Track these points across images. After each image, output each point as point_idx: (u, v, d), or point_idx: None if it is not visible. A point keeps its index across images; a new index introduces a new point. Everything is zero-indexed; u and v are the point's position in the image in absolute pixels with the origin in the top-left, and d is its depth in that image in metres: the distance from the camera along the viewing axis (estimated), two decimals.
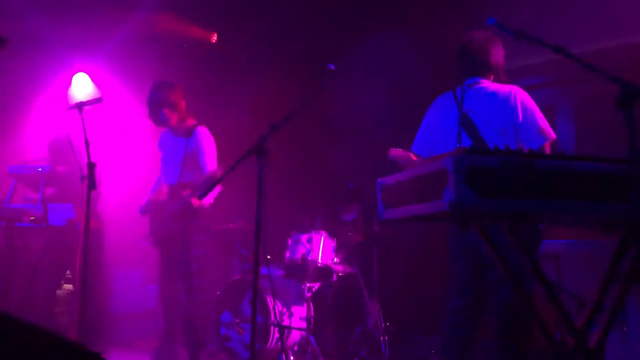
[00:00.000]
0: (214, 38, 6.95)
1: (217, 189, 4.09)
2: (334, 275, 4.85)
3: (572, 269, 4.34)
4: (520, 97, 3.02)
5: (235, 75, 6.64)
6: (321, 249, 4.71)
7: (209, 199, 4.21)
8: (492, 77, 3.17)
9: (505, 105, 3.01)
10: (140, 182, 5.25)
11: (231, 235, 5.65)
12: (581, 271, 4.28)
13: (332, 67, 3.02)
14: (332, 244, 4.82)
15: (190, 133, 4.27)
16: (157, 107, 4.25)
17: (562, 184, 1.90)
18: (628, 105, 1.89)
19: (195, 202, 4.01)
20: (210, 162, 4.22)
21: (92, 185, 3.29)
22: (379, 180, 2.33)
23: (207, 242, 4.27)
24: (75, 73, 7.21)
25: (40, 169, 4.83)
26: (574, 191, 1.90)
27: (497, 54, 3.17)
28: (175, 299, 4.24)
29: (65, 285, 5.56)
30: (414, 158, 3.15)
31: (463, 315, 3.12)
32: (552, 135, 2.98)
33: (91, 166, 3.37)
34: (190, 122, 4.36)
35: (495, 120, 3.00)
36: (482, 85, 3.12)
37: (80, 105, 3.61)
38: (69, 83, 7.23)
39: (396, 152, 3.31)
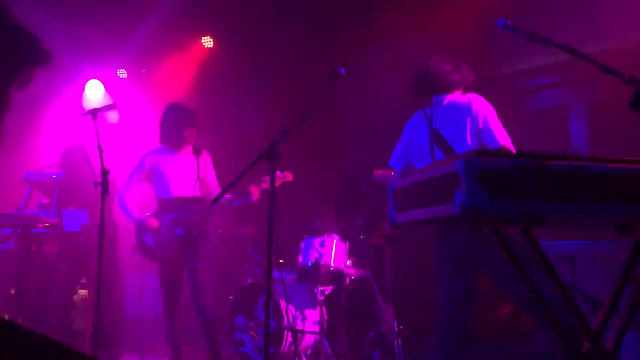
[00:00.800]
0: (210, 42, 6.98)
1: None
2: (347, 279, 4.84)
3: (587, 270, 4.29)
4: (477, 104, 3.26)
5: (248, 80, 6.66)
6: (333, 252, 4.70)
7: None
8: (460, 90, 3.41)
9: (466, 114, 3.25)
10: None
11: (244, 239, 5.67)
12: (597, 272, 4.24)
13: (343, 70, 3.02)
14: (345, 247, 4.81)
15: (199, 153, 4.61)
16: (185, 126, 4.52)
17: (576, 185, 1.88)
18: None
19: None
20: (215, 181, 4.66)
21: (105, 191, 3.32)
22: (390, 183, 2.32)
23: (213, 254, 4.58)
24: (88, 80, 7.28)
25: (54, 176, 4.88)
26: (588, 193, 1.88)
27: (459, 70, 3.41)
28: (176, 311, 4.45)
29: (80, 290, 5.60)
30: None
31: (456, 322, 3.26)
32: (504, 140, 3.10)
33: (105, 173, 3.40)
34: (196, 144, 4.67)
35: (462, 131, 3.24)
36: (446, 101, 3.38)
37: (93, 112, 3.64)
38: (82, 90, 7.30)
39: (380, 173, 3.55)
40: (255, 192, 4.37)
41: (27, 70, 1.12)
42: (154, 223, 4.39)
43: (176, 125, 4.51)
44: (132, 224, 4.48)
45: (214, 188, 4.59)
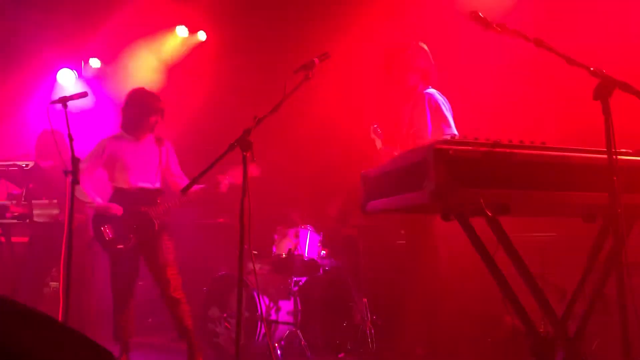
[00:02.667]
0: (203, 36, 6.92)
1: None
2: (321, 269, 4.86)
3: (555, 260, 4.38)
4: (427, 98, 3.75)
5: (223, 70, 6.62)
6: (307, 243, 4.72)
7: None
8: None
9: (424, 108, 3.76)
10: None
11: (218, 230, 5.66)
12: (565, 263, 4.32)
13: (316, 60, 3.02)
14: (319, 238, 4.83)
15: (161, 143, 4.44)
16: (149, 113, 4.33)
17: (541, 174, 1.92)
18: (604, 96, 1.92)
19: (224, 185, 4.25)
20: (179, 171, 4.50)
21: (75, 180, 3.28)
22: (362, 172, 2.34)
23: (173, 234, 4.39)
24: (61, 68, 7.17)
25: (25, 166, 4.80)
26: (553, 182, 1.92)
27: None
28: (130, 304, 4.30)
29: (51, 283, 5.53)
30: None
31: None
32: (449, 131, 3.60)
33: (75, 161, 3.35)
34: (157, 133, 4.50)
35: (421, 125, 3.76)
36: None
37: (63, 100, 3.58)
38: (54, 79, 7.19)
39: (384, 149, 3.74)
40: (224, 183, 4.25)
41: None
42: (118, 210, 4.20)
43: (142, 110, 4.32)
44: (89, 212, 4.27)
45: (179, 177, 4.47)
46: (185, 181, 4.32)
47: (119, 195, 4.31)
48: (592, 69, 2.00)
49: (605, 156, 1.92)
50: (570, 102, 2.72)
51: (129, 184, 4.29)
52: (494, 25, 2.32)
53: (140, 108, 4.34)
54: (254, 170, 4.32)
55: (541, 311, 2.12)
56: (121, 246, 4.23)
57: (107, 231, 4.23)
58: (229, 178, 4.24)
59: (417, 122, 3.84)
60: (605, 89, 1.94)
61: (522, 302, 2.09)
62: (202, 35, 6.95)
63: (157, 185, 4.37)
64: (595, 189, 1.95)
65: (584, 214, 2.22)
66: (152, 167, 4.37)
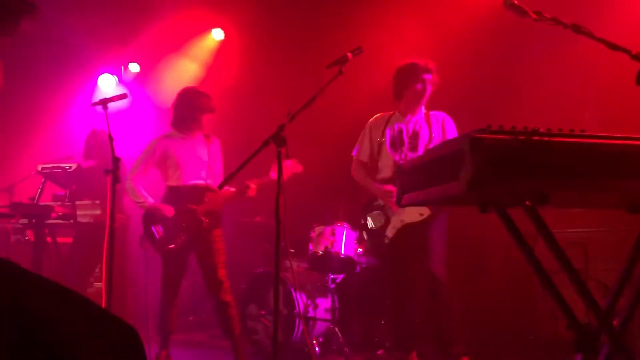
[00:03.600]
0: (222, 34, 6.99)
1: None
2: (357, 267, 4.85)
3: (600, 256, 4.27)
4: (447, 118, 4.17)
5: (256, 68, 6.67)
6: (344, 240, 4.71)
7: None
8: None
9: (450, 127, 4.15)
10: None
11: (256, 228, 5.70)
12: (609, 258, 4.21)
13: (350, 55, 3.02)
14: (355, 235, 4.81)
15: (210, 140, 4.50)
16: (202, 111, 4.40)
17: (581, 162, 1.86)
18: None
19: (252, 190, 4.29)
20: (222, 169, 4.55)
21: (116, 179, 3.35)
22: (397, 164, 2.33)
23: (224, 235, 4.42)
24: (101, 74, 7.36)
25: (68, 168, 4.93)
26: (594, 170, 1.86)
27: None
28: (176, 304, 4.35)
29: (95, 283, 5.67)
30: None
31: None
32: None
33: (116, 161, 3.43)
34: (205, 131, 4.54)
35: None
36: None
37: (104, 102, 3.68)
38: (95, 84, 7.38)
39: None
40: (253, 188, 4.26)
41: (11, 20, 1.13)
42: (170, 211, 4.24)
43: (194, 108, 4.36)
44: (141, 212, 4.35)
45: (219, 178, 4.39)
46: (219, 181, 4.33)
47: (172, 193, 4.35)
48: (634, 53, 1.94)
49: None
50: (611, 88, 2.64)
51: (181, 182, 4.33)
52: (530, 13, 2.28)
53: (192, 107, 4.37)
54: (296, 167, 4.37)
55: (584, 304, 2.06)
56: (172, 246, 4.26)
57: (158, 230, 4.28)
58: (272, 174, 4.23)
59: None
60: None
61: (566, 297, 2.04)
62: (234, 37, 7.04)
63: (208, 182, 4.38)
64: (639, 177, 1.88)
65: (628, 203, 2.14)
66: (202, 164, 4.41)
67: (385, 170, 4.02)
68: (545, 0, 2.63)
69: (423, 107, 4.16)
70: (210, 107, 4.43)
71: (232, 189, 4.28)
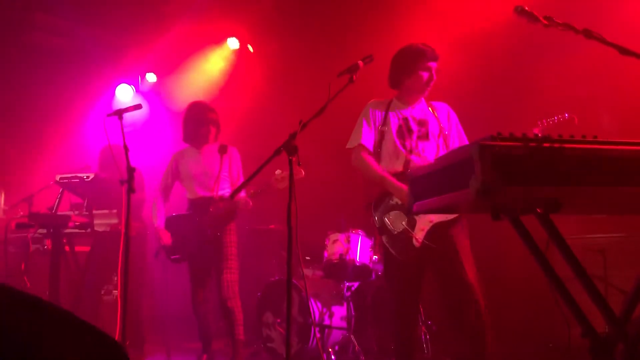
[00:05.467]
0: (250, 48, 7.05)
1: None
2: (373, 274, 4.83)
3: (619, 262, 4.21)
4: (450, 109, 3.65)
5: (270, 77, 6.71)
6: (359, 248, 4.70)
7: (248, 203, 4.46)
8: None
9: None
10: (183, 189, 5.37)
11: (271, 236, 5.72)
12: (629, 264, 4.15)
13: (361, 63, 3.02)
14: (370, 242, 4.80)
15: (225, 151, 4.63)
16: (203, 124, 4.60)
17: (593, 169, 1.84)
18: None
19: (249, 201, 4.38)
20: (241, 178, 4.66)
21: (131, 189, 3.39)
22: (409, 172, 2.32)
23: (238, 241, 4.58)
24: (119, 84, 7.45)
25: (86, 177, 4.99)
26: (605, 176, 1.84)
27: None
28: (207, 310, 4.53)
29: (114, 291, 5.71)
30: None
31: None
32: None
33: (131, 171, 3.46)
34: (220, 141, 4.74)
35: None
36: None
37: (119, 112, 3.72)
38: (113, 94, 7.47)
39: None
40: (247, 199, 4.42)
41: None
42: (167, 239, 4.52)
43: (195, 123, 4.60)
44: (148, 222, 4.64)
45: (236, 185, 4.62)
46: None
47: (189, 205, 4.62)
48: None
49: None
50: (623, 94, 2.61)
51: (195, 194, 4.57)
52: (541, 19, 2.27)
53: (193, 121, 4.62)
54: (298, 172, 4.35)
55: (599, 311, 2.03)
56: (177, 256, 4.49)
57: (170, 241, 4.53)
58: (275, 184, 4.31)
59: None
60: None
61: (581, 305, 2.01)
62: (250, 46, 7.09)
63: (219, 193, 4.51)
64: None
65: None
66: (212, 176, 4.54)
67: (390, 161, 3.47)
68: (556, 6, 2.61)
69: (423, 98, 3.65)
70: (209, 119, 4.61)
71: (243, 196, 4.42)
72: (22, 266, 5.12)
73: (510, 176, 1.80)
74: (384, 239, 3.46)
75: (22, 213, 5.35)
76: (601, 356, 1.94)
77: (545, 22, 2.28)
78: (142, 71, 7.63)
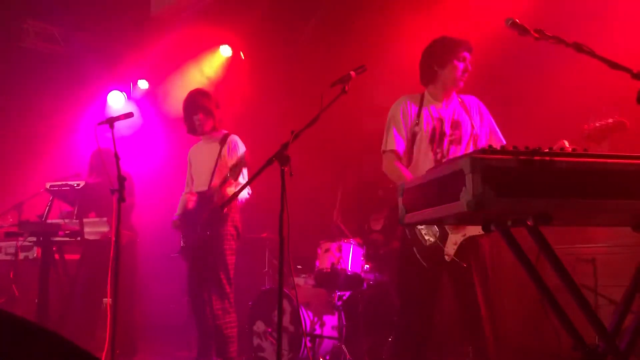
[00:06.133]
0: (242, 54, 7.05)
1: (245, 197, 4.29)
2: (364, 284, 4.82)
3: (609, 272, 4.22)
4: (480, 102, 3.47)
5: (263, 86, 6.71)
6: (350, 257, 4.69)
7: (239, 203, 4.34)
8: None
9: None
10: (175, 195, 5.35)
11: (263, 244, 5.70)
12: (619, 274, 4.16)
13: (353, 73, 3.03)
14: (362, 252, 4.80)
15: (223, 141, 4.45)
16: (192, 113, 4.44)
17: (583, 182, 1.85)
18: None
19: (220, 208, 4.02)
20: (240, 171, 4.24)
21: (122, 198, 3.37)
22: (400, 183, 2.33)
23: (236, 249, 4.39)
24: (110, 90, 7.43)
25: (76, 185, 4.97)
26: (595, 189, 1.85)
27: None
28: (206, 311, 4.33)
29: (104, 299, 5.67)
30: None
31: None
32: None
33: (121, 180, 3.45)
34: (223, 131, 4.55)
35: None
36: None
37: (110, 121, 3.71)
38: (105, 101, 7.45)
39: None
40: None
41: None
42: (177, 224, 4.48)
43: (186, 112, 4.50)
44: (149, 230, 4.61)
45: (236, 180, 4.32)
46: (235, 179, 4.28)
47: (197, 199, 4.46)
48: (634, 71, 1.94)
49: None
50: (612, 107, 2.64)
51: (196, 188, 4.50)
52: (532, 31, 2.28)
53: (185, 110, 4.51)
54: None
55: (589, 324, 2.04)
56: (186, 253, 4.40)
57: (181, 238, 4.45)
58: None
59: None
60: None
61: (572, 316, 2.02)
62: (242, 54, 7.09)
63: (212, 185, 4.35)
64: None
65: (633, 222, 2.13)
66: (208, 169, 4.42)
67: (422, 166, 3.24)
68: (547, 19, 2.63)
69: (454, 93, 3.44)
70: (198, 106, 4.41)
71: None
72: (11, 274, 5.07)
73: (501, 189, 1.81)
74: (414, 249, 3.27)
75: (11, 221, 5.32)
76: None
77: (536, 35, 2.29)
78: (134, 78, 7.62)
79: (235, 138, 4.48)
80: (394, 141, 3.35)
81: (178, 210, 4.58)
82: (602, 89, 4.10)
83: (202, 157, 4.52)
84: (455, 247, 3.17)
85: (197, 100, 4.44)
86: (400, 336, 3.48)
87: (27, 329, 1.00)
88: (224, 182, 3.63)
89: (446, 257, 3.17)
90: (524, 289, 4.65)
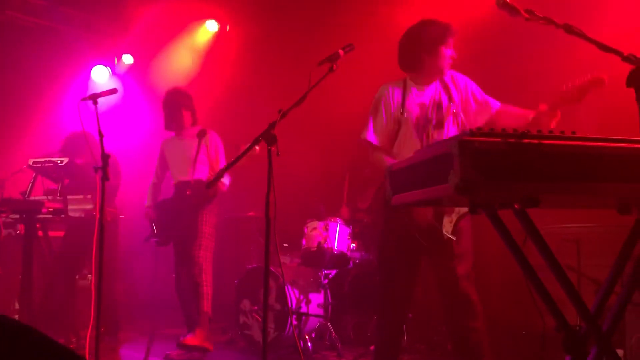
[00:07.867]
0: (227, 27, 6.95)
1: (228, 178, 4.59)
2: (350, 262, 4.84)
3: (592, 252, 4.27)
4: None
5: (250, 63, 6.64)
6: (337, 236, 4.70)
7: (224, 185, 4.60)
8: None
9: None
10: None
11: (249, 223, 5.69)
12: (602, 254, 4.21)
13: (342, 52, 2.99)
14: (348, 230, 4.80)
15: (202, 135, 4.70)
16: (177, 109, 4.72)
17: (571, 165, 1.85)
18: (638, 83, 1.84)
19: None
20: (222, 162, 4.74)
21: (105, 176, 3.32)
22: (387, 165, 2.32)
23: (215, 224, 4.69)
24: (95, 65, 7.29)
25: (60, 162, 4.89)
26: (583, 172, 1.85)
27: None
28: (188, 286, 4.61)
29: (89, 275, 5.65)
30: None
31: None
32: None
33: (105, 158, 3.39)
34: (200, 125, 4.83)
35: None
36: None
37: (94, 97, 3.63)
38: (89, 76, 7.32)
39: None
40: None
41: None
42: (150, 215, 4.73)
43: (168, 109, 4.73)
44: (130, 208, 4.92)
45: (217, 169, 4.67)
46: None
47: (173, 190, 4.76)
48: (625, 54, 1.92)
49: (639, 145, 1.84)
50: (601, 90, 2.63)
51: (176, 179, 4.74)
52: (522, 12, 2.26)
53: (168, 108, 4.76)
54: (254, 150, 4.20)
55: (573, 306, 2.05)
56: (156, 239, 4.65)
57: (154, 226, 4.70)
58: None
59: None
60: (639, 75, 1.86)
61: (556, 297, 2.03)
62: (229, 29, 6.99)
63: (195, 177, 4.61)
64: (629, 180, 1.87)
65: (618, 205, 2.13)
66: (188, 160, 4.65)
67: (407, 152, 3.05)
68: (540, 0, 2.60)
69: None
70: (185, 104, 4.73)
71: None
72: None
73: (489, 171, 1.81)
74: (415, 231, 3.18)
75: None
76: (574, 350, 1.97)
77: (526, 15, 2.27)
78: (119, 53, 7.49)
79: (213, 133, 4.80)
80: (369, 132, 3.29)
81: (148, 201, 4.84)
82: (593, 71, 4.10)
83: (181, 148, 4.74)
84: (452, 226, 3.12)
85: (180, 99, 4.74)
86: (380, 313, 3.45)
87: (9, 328, 0.99)
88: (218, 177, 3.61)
89: (444, 237, 3.11)
90: (508, 268, 4.69)
